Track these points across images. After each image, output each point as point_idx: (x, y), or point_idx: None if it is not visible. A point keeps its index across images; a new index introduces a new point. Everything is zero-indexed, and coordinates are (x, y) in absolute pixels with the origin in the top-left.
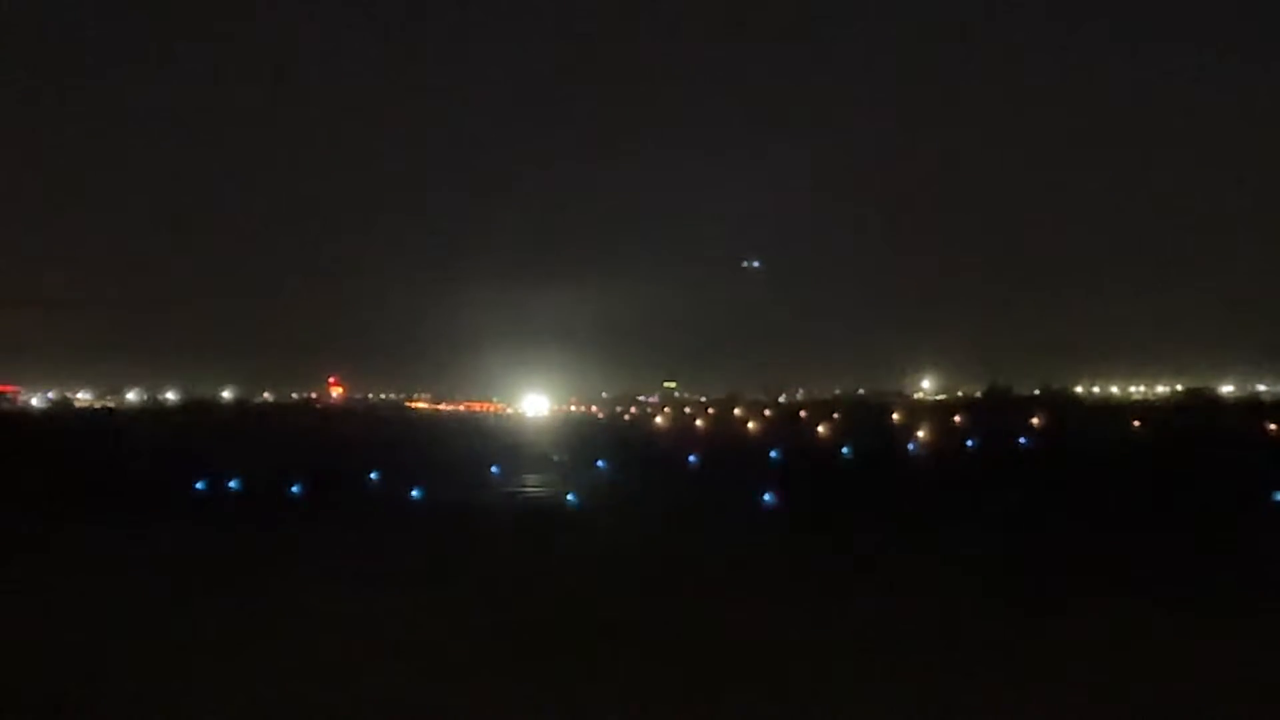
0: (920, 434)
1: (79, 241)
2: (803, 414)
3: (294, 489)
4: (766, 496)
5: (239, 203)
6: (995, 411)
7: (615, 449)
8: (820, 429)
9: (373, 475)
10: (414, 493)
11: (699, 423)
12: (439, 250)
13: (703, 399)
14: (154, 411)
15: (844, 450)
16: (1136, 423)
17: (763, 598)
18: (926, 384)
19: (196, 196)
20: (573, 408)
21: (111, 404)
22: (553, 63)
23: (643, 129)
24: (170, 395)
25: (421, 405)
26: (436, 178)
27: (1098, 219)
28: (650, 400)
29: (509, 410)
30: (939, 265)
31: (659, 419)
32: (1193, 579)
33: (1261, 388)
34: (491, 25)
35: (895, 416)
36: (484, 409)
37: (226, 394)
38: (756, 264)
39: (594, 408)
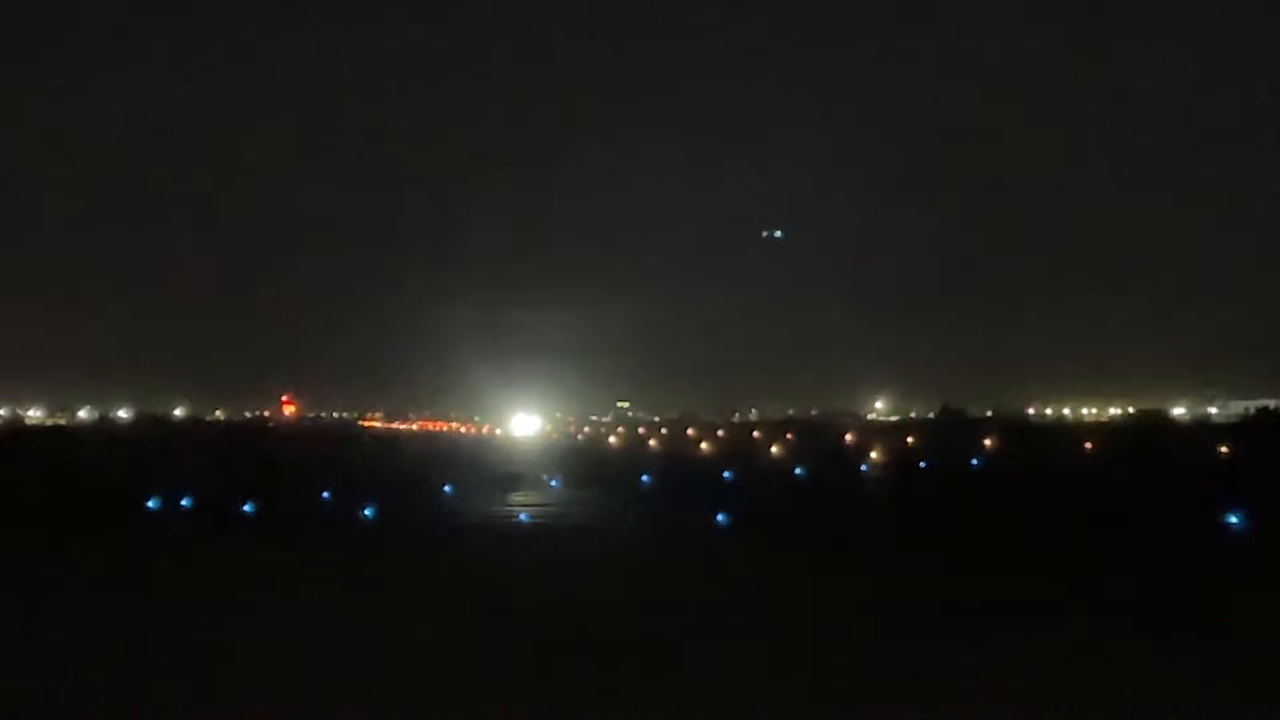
0: (873, 455)
1: (33, 257)
2: (756, 434)
3: (245, 508)
4: (719, 517)
5: (195, 221)
6: (948, 433)
7: (570, 469)
8: (773, 449)
9: (325, 494)
10: (366, 511)
11: (653, 442)
12: (394, 270)
13: (656, 419)
14: (106, 428)
15: (797, 471)
16: (1088, 445)
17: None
18: (880, 405)
19: (152, 215)
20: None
21: (63, 421)
22: (551, 62)
23: (605, 150)
24: (122, 413)
25: (375, 424)
26: (391, 198)
27: (1051, 243)
28: (603, 420)
29: (463, 429)
30: (894, 287)
31: (612, 439)
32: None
33: (1213, 410)
34: (475, 35)
35: (849, 437)
36: (438, 427)
37: (179, 411)
38: (778, 234)
39: (547, 426)
